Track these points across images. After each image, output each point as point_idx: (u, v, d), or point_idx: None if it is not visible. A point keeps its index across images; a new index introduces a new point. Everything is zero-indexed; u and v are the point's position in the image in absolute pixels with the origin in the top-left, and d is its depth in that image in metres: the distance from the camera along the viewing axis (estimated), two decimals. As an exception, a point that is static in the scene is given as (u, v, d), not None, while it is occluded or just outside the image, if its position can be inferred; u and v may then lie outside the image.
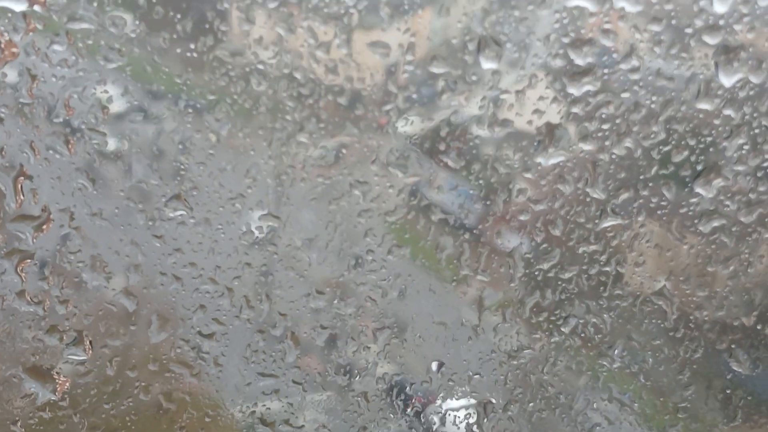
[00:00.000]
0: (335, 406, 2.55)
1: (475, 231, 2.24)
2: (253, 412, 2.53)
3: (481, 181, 2.16)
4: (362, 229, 2.22)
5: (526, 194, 2.18)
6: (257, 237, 2.22)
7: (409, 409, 2.58)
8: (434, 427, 2.62)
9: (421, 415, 2.60)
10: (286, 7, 1.90)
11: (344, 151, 2.11)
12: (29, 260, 2.21)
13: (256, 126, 2.06)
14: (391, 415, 2.57)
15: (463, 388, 2.52)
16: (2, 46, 1.93)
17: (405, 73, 2.00)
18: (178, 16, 1.91)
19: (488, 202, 2.19)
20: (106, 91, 2.00)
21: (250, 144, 2.08)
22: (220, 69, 1.97)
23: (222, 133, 2.06)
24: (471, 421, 2.59)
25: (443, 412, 2.59)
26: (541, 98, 2.04)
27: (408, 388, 2.54)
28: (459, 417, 2.59)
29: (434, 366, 2.48)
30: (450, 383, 2.50)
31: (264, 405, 2.52)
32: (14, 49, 1.95)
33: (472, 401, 2.56)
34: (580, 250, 2.26)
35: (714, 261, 2.26)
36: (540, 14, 1.93)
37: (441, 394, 2.54)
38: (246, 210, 2.18)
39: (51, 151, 2.06)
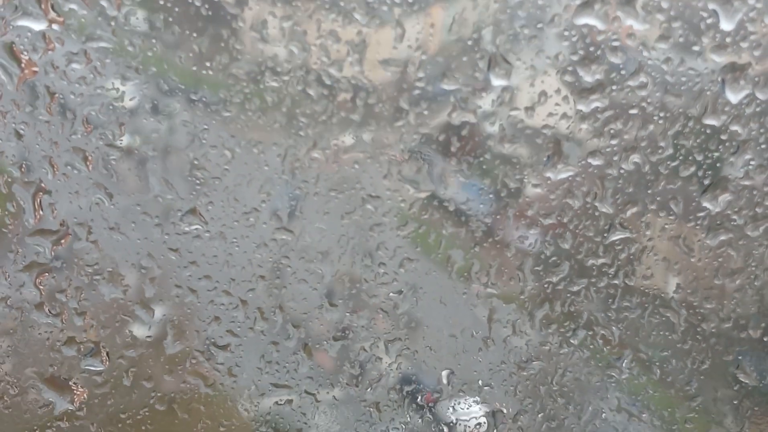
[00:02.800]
0: (348, 416, 2.58)
1: (485, 244, 2.27)
2: (267, 421, 2.56)
3: (491, 195, 2.19)
4: (374, 242, 2.26)
5: (535, 208, 2.20)
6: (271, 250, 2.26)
7: (421, 420, 2.60)
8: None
9: (433, 425, 2.62)
10: (299, 26, 1.94)
11: (357, 165, 2.14)
12: (47, 273, 2.25)
13: (270, 142, 2.10)
14: (403, 426, 2.60)
15: (474, 398, 2.54)
16: (23, 64, 1.98)
17: (416, 89, 2.03)
18: (194, 35, 1.95)
19: (498, 216, 2.22)
20: (122, 108, 2.04)
21: (265, 159, 2.12)
22: (235, 86, 2.01)
23: (237, 149, 2.09)
24: (481, 430, 2.61)
25: (454, 421, 2.61)
26: (550, 114, 2.07)
27: (420, 398, 2.56)
28: (469, 426, 2.61)
29: (444, 376, 2.50)
30: (460, 393, 2.53)
31: (278, 415, 2.55)
32: (34, 68, 1.99)
33: (482, 410, 2.58)
34: (589, 263, 2.29)
35: (721, 274, 2.28)
36: (549, 32, 1.96)
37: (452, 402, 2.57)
38: (260, 224, 2.22)
39: (69, 167, 2.11)
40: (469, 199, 2.21)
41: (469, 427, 2.61)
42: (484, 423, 2.60)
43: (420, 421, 2.60)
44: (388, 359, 2.46)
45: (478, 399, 2.55)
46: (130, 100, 2.04)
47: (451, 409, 2.59)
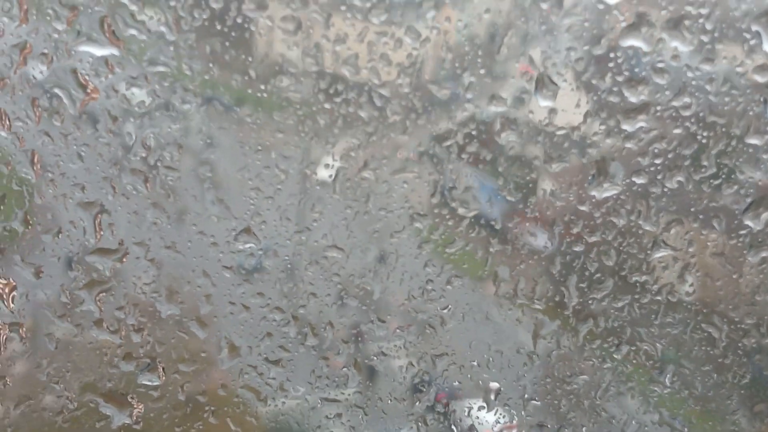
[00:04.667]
0: (396, 430, 2.62)
1: (531, 261, 2.31)
2: (317, 437, 2.61)
3: (537, 214, 2.23)
4: (422, 260, 2.30)
5: (580, 226, 2.24)
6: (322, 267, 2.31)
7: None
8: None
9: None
10: (352, 49, 1.99)
11: (405, 185, 2.19)
12: (106, 292, 2.31)
13: (322, 162, 2.15)
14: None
15: (519, 412, 2.57)
16: (87, 89, 2.04)
17: (465, 111, 2.08)
18: (249, 59, 2.00)
19: (545, 234, 2.26)
20: (180, 130, 2.10)
21: (317, 179, 2.17)
22: (289, 108, 2.06)
23: (290, 170, 2.15)
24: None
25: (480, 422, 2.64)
26: (595, 134, 2.10)
27: (467, 413, 2.60)
28: (513, 440, 2.65)
29: (492, 390, 2.54)
30: (506, 407, 2.56)
31: (328, 429, 2.59)
32: (95, 93, 2.05)
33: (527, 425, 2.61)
34: (633, 280, 2.32)
35: (762, 290, 2.31)
36: (596, 53, 1.99)
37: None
38: (311, 242, 2.27)
39: (129, 187, 2.16)
40: (515, 217, 2.25)
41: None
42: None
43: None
44: (435, 374, 2.50)
45: (523, 413, 2.58)
46: (188, 122, 2.10)
47: (495, 423, 2.62)
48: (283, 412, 2.56)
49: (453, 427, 2.62)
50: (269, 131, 2.10)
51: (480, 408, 2.58)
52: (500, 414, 2.59)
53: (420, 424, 2.58)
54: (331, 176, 2.16)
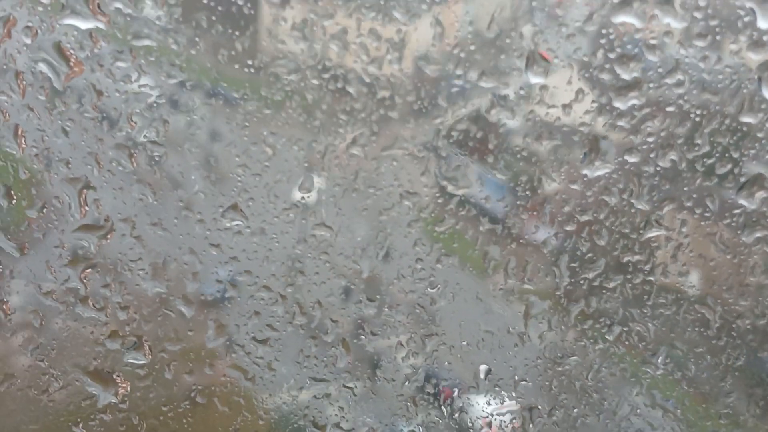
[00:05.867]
0: (385, 409, 2.60)
1: (522, 240, 2.29)
2: (305, 415, 2.59)
3: (528, 192, 2.21)
4: (412, 238, 2.28)
5: (572, 204, 2.22)
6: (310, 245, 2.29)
7: (456, 415, 2.62)
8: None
9: (469, 420, 2.64)
10: (340, 24, 1.96)
11: (395, 162, 2.16)
12: (92, 268, 2.29)
13: (310, 139, 2.12)
14: (439, 420, 2.62)
15: (510, 394, 2.56)
16: (71, 63, 2.01)
17: (454, 87, 2.05)
18: (236, 33, 1.98)
19: (535, 212, 2.24)
20: (166, 105, 2.08)
21: (304, 156, 2.15)
22: (276, 84, 2.04)
23: (277, 145, 2.12)
24: (516, 425, 2.63)
25: (492, 415, 2.63)
26: (587, 112, 2.08)
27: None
28: (505, 421, 2.63)
29: (482, 372, 2.52)
30: (496, 388, 2.55)
31: (316, 408, 2.58)
32: (80, 66, 2.03)
33: (518, 406, 2.60)
34: (625, 260, 2.30)
35: (756, 271, 2.29)
36: (587, 30, 1.97)
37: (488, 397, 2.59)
38: (299, 220, 2.24)
39: (114, 163, 2.14)
40: (506, 195, 2.23)
41: (504, 422, 2.63)
42: (520, 418, 2.62)
43: (456, 415, 2.62)
44: (425, 354, 2.48)
45: (514, 394, 2.57)
46: (174, 97, 2.07)
47: (486, 404, 2.61)
48: (272, 392, 2.55)
49: (443, 407, 2.61)
50: (256, 107, 2.08)
51: (470, 388, 2.56)
52: (490, 395, 2.58)
53: (409, 404, 2.57)
54: (319, 153, 2.14)
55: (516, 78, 2.04)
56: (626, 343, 2.44)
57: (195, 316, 2.38)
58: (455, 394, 2.60)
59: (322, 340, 2.44)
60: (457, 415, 2.64)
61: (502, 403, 2.59)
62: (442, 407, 2.61)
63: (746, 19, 1.93)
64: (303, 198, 2.21)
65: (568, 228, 2.26)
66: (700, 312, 2.37)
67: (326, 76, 2.02)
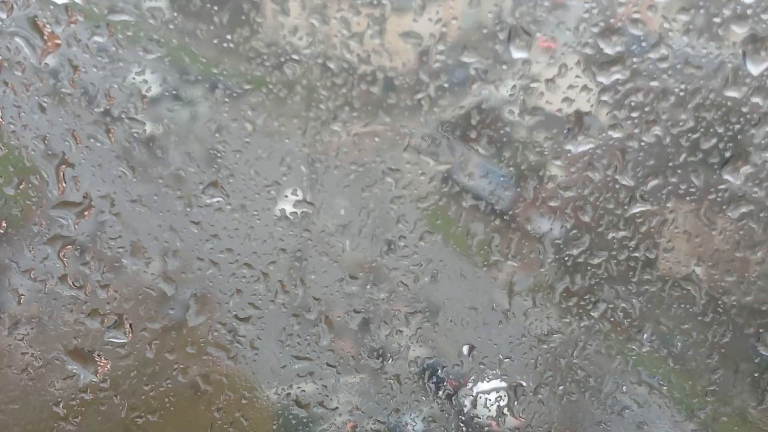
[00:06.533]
0: (368, 388, 2.59)
1: (506, 217, 2.27)
2: (288, 394, 2.58)
3: (511, 168, 2.19)
4: (394, 215, 2.26)
5: (556, 181, 2.20)
6: (292, 223, 2.27)
7: (440, 392, 2.61)
8: (465, 410, 2.65)
9: (453, 398, 2.63)
10: (320, -1, 1.94)
11: (377, 138, 2.14)
12: (71, 246, 2.27)
13: (291, 115, 2.10)
14: (423, 398, 2.61)
15: (494, 371, 2.55)
16: (45, 37, 1.99)
17: (437, 62, 2.03)
18: (215, 7, 1.95)
19: (519, 189, 2.22)
20: (145, 81, 2.05)
21: (285, 132, 2.13)
22: (256, 59, 2.02)
23: (258, 121, 2.10)
24: (502, 403, 2.62)
25: (474, 395, 2.62)
26: (570, 87, 2.06)
27: (440, 370, 2.58)
28: (490, 399, 2.62)
29: (465, 349, 2.51)
30: (481, 366, 2.54)
31: (299, 387, 2.56)
32: (56, 41, 2.00)
33: (503, 384, 2.59)
34: (610, 236, 2.28)
35: (742, 246, 2.28)
36: (570, 4, 1.95)
37: (472, 377, 2.58)
38: (281, 197, 2.23)
39: (92, 140, 2.12)
40: (489, 172, 2.21)
41: (490, 400, 2.62)
42: (505, 396, 2.61)
43: (441, 394, 2.62)
44: (408, 332, 2.47)
45: (498, 372, 2.56)
46: (152, 73, 2.05)
47: (471, 383, 2.60)
48: (254, 370, 2.53)
49: (427, 386, 2.60)
50: (236, 83, 2.06)
51: (455, 366, 2.55)
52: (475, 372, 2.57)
53: (393, 382, 2.56)
54: (300, 129, 2.12)
55: (498, 53, 2.02)
56: (611, 320, 2.43)
57: (176, 294, 2.37)
58: (440, 371, 2.59)
59: (305, 318, 2.43)
60: (442, 393, 2.63)
61: (487, 381, 2.59)
62: (427, 385, 2.60)
63: (730, -9, 1.91)
64: (284, 176, 2.19)
65: (552, 204, 2.24)
66: (685, 288, 2.36)
67: (307, 51, 2.00)
